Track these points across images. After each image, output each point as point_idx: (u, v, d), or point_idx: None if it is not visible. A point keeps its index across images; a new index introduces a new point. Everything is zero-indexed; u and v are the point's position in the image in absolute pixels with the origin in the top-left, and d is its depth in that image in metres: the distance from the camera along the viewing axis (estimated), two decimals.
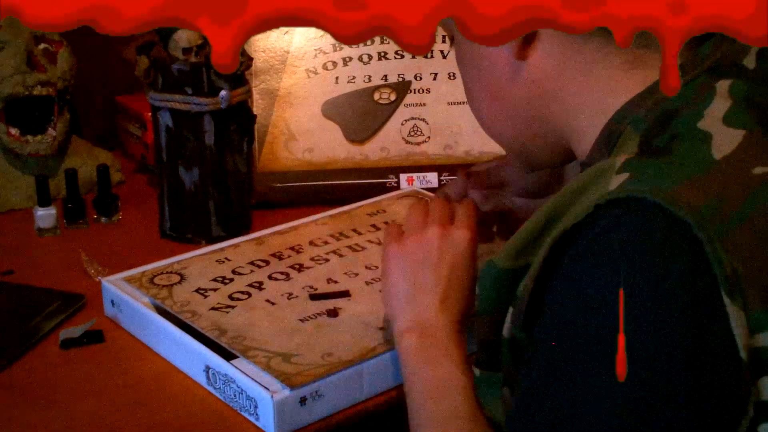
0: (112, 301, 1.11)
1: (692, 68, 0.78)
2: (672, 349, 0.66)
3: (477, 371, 0.85)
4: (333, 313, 1.05)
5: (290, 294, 1.09)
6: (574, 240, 0.71)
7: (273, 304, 1.07)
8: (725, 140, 0.72)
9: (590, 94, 0.81)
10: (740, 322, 0.66)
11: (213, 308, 1.06)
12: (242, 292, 1.09)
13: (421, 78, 1.45)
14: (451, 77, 1.45)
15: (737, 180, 0.70)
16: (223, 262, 1.16)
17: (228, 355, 0.97)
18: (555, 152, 0.88)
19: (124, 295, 1.09)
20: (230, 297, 1.08)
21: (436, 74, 1.45)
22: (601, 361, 0.66)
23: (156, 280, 1.11)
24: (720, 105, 0.75)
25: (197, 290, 1.10)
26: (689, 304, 0.66)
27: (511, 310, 0.77)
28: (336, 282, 1.12)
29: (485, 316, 0.81)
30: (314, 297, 1.08)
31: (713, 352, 0.66)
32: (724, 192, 0.69)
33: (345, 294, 1.09)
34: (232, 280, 1.12)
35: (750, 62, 0.79)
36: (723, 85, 0.77)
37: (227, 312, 1.05)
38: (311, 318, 1.04)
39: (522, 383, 0.75)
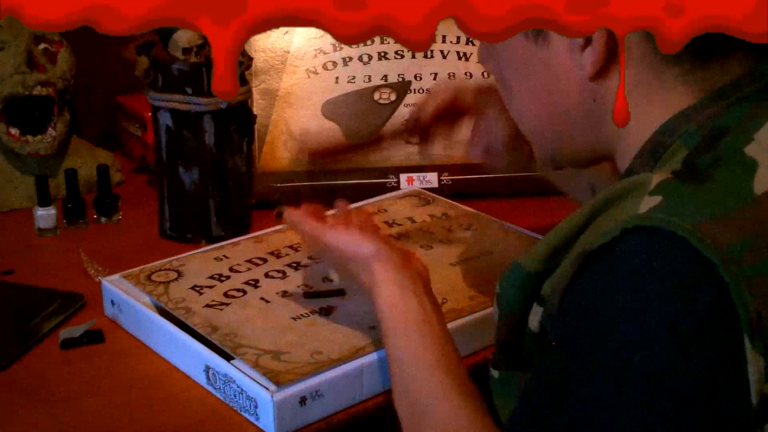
0: (112, 301, 1.11)
1: (748, 84, 0.76)
2: (679, 385, 0.64)
3: (496, 373, 0.84)
4: (326, 311, 1.05)
5: (285, 292, 1.09)
6: (598, 259, 0.69)
7: (267, 302, 1.07)
8: None
9: (648, 112, 0.79)
10: (757, 367, 0.64)
11: (207, 305, 1.06)
12: (237, 290, 1.09)
13: (421, 78, 1.45)
14: (451, 77, 1.45)
15: None
16: (221, 259, 1.16)
17: (228, 355, 0.97)
18: (587, 158, 0.88)
19: (124, 295, 1.09)
20: (225, 294, 1.08)
21: (436, 74, 1.45)
22: (608, 384, 0.66)
23: (153, 277, 1.11)
24: None
25: (193, 287, 1.10)
26: (706, 345, 0.64)
27: (541, 309, 0.76)
28: (331, 281, 1.12)
29: (508, 317, 0.80)
30: (308, 295, 1.08)
31: (722, 394, 0.64)
32: (759, 231, 0.67)
33: (340, 293, 1.09)
34: (228, 277, 1.12)
35: None
36: None
37: (221, 309, 1.05)
38: (304, 316, 1.04)
39: (529, 389, 0.74)
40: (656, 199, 0.69)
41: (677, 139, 0.76)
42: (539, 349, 0.76)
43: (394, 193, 1.35)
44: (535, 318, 0.77)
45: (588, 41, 0.78)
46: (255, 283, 1.11)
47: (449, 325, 1.02)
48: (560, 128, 0.86)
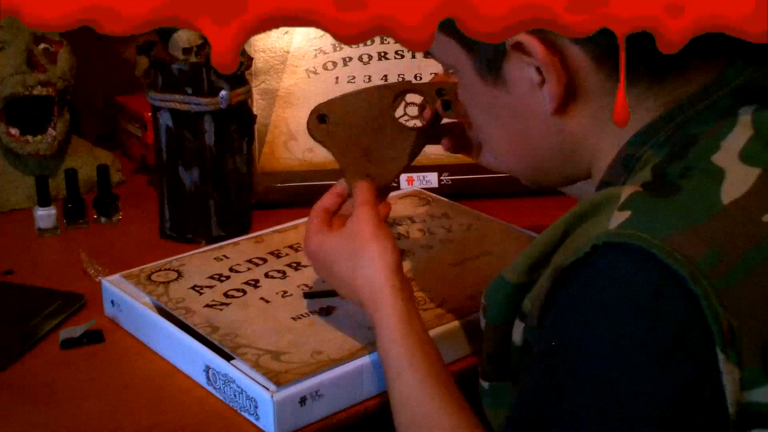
0: (112, 301, 1.11)
1: (716, 90, 0.76)
2: (656, 400, 0.65)
3: (486, 384, 0.84)
4: (326, 311, 1.05)
5: (285, 292, 1.09)
6: (571, 276, 0.70)
7: (267, 302, 1.07)
8: (737, 180, 0.70)
9: (618, 129, 0.78)
10: (732, 378, 0.64)
11: (207, 305, 1.06)
12: (237, 290, 1.09)
13: (421, 78, 1.45)
14: None
15: (743, 229, 0.68)
16: (221, 259, 1.16)
17: (228, 355, 0.97)
18: (565, 182, 0.88)
19: (124, 295, 1.09)
20: (225, 294, 1.08)
21: (435, 74, 1.45)
22: (586, 402, 0.67)
23: (153, 277, 1.11)
24: (739, 136, 0.73)
25: (193, 287, 1.10)
26: (680, 358, 0.65)
27: (523, 325, 0.77)
28: None
29: (494, 329, 0.81)
30: (308, 295, 1.08)
31: (700, 406, 0.65)
32: (728, 242, 0.67)
33: None
34: (228, 277, 1.12)
35: None
36: (746, 112, 0.74)
37: (221, 309, 1.05)
38: (304, 316, 1.04)
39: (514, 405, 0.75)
40: (625, 214, 0.69)
41: (648, 149, 0.76)
42: (523, 363, 0.77)
43: (394, 193, 1.35)
44: (517, 332, 0.78)
45: (544, 78, 0.78)
46: (255, 283, 1.11)
47: (449, 325, 1.03)
48: (535, 161, 0.86)
